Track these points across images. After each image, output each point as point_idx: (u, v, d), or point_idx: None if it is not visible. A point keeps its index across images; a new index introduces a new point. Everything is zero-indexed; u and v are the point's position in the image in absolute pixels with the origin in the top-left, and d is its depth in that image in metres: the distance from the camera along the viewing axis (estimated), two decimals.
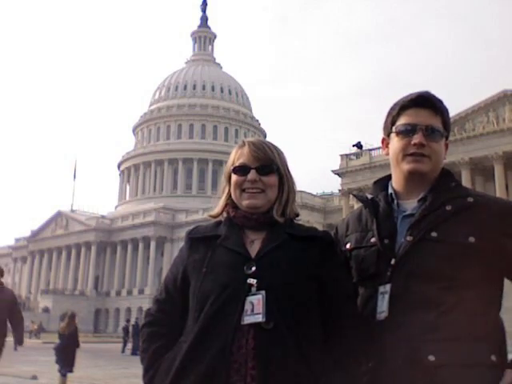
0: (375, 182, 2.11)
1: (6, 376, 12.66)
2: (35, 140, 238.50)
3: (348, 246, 2.01)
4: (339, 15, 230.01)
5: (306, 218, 53.04)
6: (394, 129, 1.98)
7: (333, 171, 52.17)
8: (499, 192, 41.36)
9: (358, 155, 51.37)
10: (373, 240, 1.94)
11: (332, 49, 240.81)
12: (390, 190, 2.01)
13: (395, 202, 1.99)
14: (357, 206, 2.19)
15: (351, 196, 51.29)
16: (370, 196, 2.04)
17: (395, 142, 1.97)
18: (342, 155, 52.30)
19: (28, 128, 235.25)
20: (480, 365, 1.74)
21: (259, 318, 1.69)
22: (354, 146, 52.13)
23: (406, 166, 1.93)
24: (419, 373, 1.73)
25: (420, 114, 1.94)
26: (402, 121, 1.96)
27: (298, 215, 1.98)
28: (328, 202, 63.36)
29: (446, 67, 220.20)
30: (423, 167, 1.92)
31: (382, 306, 1.84)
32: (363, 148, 51.42)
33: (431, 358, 1.72)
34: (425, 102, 1.96)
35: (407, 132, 1.93)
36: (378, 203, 2.00)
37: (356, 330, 1.81)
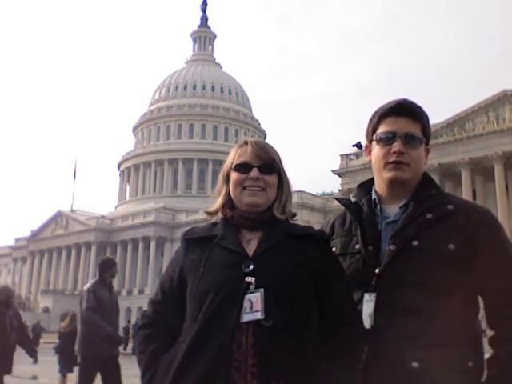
0: (359, 186, 2.16)
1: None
2: (35, 140, 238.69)
3: (333, 250, 2.03)
4: (339, 14, 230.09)
5: (306, 218, 53.01)
6: (374, 137, 2.04)
7: (333, 171, 52.21)
8: (499, 192, 41.38)
9: (358, 155, 51.38)
10: (357, 246, 1.98)
11: (332, 48, 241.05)
12: (374, 195, 2.06)
13: (378, 207, 2.03)
14: None
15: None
16: (353, 200, 2.08)
17: (376, 150, 2.03)
18: (342, 155, 52.37)
19: (28, 128, 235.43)
20: (459, 370, 1.78)
21: (258, 315, 1.69)
22: (353, 146, 52.06)
23: (387, 175, 1.99)
24: (404, 379, 1.77)
25: (399, 122, 1.99)
26: (382, 129, 2.02)
27: (294, 215, 2.00)
28: (328, 202, 63.24)
29: (447, 66, 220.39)
30: (403, 175, 1.97)
31: (368, 315, 1.88)
32: (363, 148, 51.38)
33: (415, 364, 1.77)
34: (403, 110, 2.01)
35: (387, 139, 1.99)
36: (361, 207, 2.04)
37: (354, 328, 1.83)
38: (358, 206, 2.04)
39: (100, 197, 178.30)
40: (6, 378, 7.50)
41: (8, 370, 7.10)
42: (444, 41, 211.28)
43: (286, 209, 1.95)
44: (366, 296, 1.90)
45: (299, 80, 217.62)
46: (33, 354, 7.66)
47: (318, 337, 1.79)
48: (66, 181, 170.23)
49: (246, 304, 1.72)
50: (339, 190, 53.14)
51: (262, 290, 1.73)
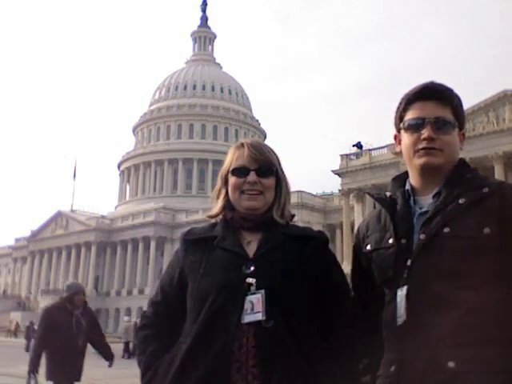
0: (393, 179, 2.04)
1: (6, 376, 12.67)
2: (35, 140, 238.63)
3: (368, 247, 1.94)
4: (339, 14, 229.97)
5: (306, 218, 53.01)
6: (402, 124, 1.93)
7: (333, 171, 52.14)
8: None
9: (358, 155, 51.37)
10: (391, 241, 1.86)
11: (332, 47, 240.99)
12: (407, 187, 1.95)
13: (412, 198, 1.91)
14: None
15: (351, 196, 51.30)
16: (388, 194, 1.98)
17: (405, 138, 1.91)
18: (342, 155, 52.28)
19: (28, 128, 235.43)
20: (501, 371, 1.62)
21: (259, 317, 1.70)
22: (354, 146, 52.17)
23: (418, 161, 1.87)
24: (440, 379, 1.64)
25: (427, 107, 1.87)
26: (409, 115, 1.91)
27: (293, 216, 1.99)
28: (328, 202, 63.23)
29: (447, 66, 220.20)
30: (435, 160, 1.84)
31: (400, 310, 1.75)
32: (363, 148, 51.46)
33: (451, 364, 1.63)
34: (431, 93, 1.90)
35: (416, 126, 1.87)
36: (396, 201, 1.93)
37: (354, 328, 1.83)
38: (393, 200, 1.93)
39: (100, 197, 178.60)
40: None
41: (77, 376, 6.52)
42: (444, 40, 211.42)
43: (285, 211, 1.95)
44: (399, 291, 1.76)
45: (299, 80, 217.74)
46: (108, 356, 7.12)
47: (318, 337, 1.80)
48: (66, 181, 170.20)
49: (247, 305, 1.72)
50: (339, 190, 53.09)
51: (262, 291, 1.73)
